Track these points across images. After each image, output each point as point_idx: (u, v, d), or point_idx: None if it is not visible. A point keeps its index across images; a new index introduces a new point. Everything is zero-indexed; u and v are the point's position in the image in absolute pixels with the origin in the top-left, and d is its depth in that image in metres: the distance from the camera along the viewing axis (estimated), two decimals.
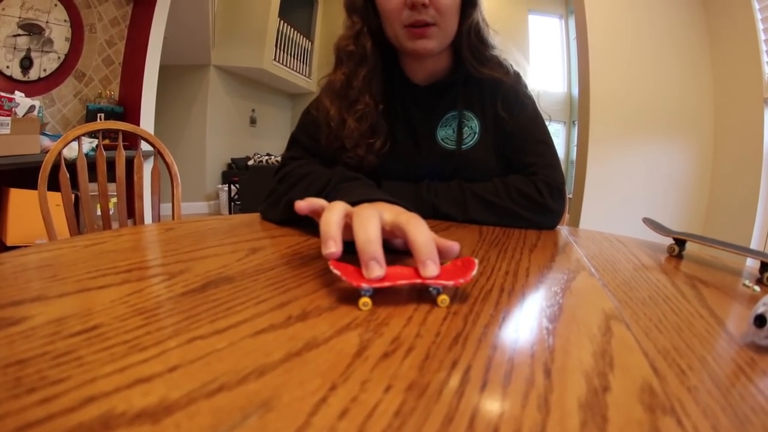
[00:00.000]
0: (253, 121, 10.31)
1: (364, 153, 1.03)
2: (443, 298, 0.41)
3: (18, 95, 3.38)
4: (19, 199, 3.08)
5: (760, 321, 0.38)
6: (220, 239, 0.66)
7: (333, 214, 0.47)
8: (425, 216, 0.94)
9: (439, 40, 1.02)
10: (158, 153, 1.67)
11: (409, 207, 0.61)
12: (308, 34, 11.06)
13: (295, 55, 10.45)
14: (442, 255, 0.47)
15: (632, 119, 3.36)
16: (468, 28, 1.05)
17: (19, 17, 3.70)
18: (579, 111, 3.60)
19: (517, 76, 1.13)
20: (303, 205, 0.52)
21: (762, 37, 2.81)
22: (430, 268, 0.42)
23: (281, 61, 9.80)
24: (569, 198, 3.13)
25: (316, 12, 11.29)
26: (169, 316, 0.35)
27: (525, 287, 0.49)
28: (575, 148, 3.66)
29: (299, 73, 10.71)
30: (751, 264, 0.82)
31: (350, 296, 0.41)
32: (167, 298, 0.39)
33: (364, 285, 0.40)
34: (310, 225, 0.76)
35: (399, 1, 0.97)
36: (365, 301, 0.39)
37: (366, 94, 1.05)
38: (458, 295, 0.43)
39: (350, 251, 0.44)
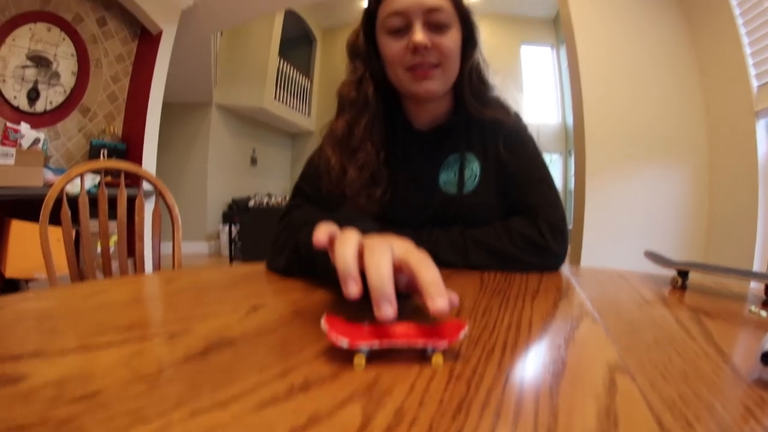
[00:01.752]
0: (253, 161, 10.40)
1: (365, 202, 1.03)
2: (437, 360, 0.40)
3: (24, 127, 3.44)
4: (20, 231, 3.09)
5: (766, 359, 0.37)
6: (220, 294, 0.66)
7: (348, 248, 0.46)
8: None
9: (442, 82, 1.03)
10: (160, 194, 1.68)
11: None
12: (307, 73, 11.29)
13: (294, 94, 10.67)
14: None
15: (628, 145, 3.40)
16: (469, 69, 1.07)
17: (29, 49, 3.83)
18: (575, 141, 3.65)
19: (518, 116, 1.14)
20: (322, 237, 0.50)
21: (748, 50, 2.88)
22: (439, 303, 0.41)
23: (281, 100, 10.00)
24: (570, 229, 3.12)
25: (315, 51, 11.52)
26: (171, 382, 0.35)
27: (528, 341, 0.48)
28: (572, 178, 3.68)
29: (299, 111, 10.86)
30: (755, 286, 0.82)
31: (350, 360, 0.40)
32: (169, 363, 0.39)
33: (362, 346, 0.40)
34: (312, 274, 0.76)
35: (401, 45, 0.99)
36: (359, 362, 0.39)
37: (368, 143, 1.05)
38: (461, 355, 0.42)
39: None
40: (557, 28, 10.23)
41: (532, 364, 0.43)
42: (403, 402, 0.33)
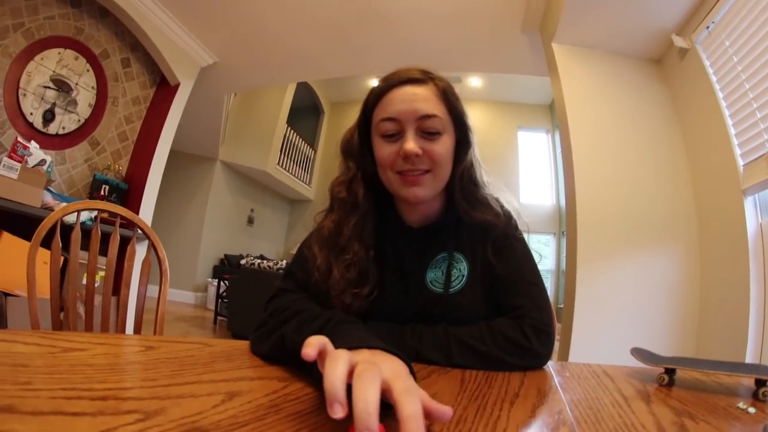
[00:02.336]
0: (250, 221, 10.49)
1: (350, 301, 1.02)
2: None
3: (33, 145, 3.48)
4: (10, 244, 3.06)
5: None
6: (198, 374, 0.65)
7: (337, 370, 0.47)
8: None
9: (432, 188, 1.05)
10: (152, 245, 1.69)
11: (411, 365, 0.62)
12: (312, 143, 11.57)
13: (297, 162, 10.93)
14: (434, 418, 0.49)
15: (619, 229, 3.45)
16: (461, 172, 1.09)
17: (53, 71, 3.97)
18: (567, 224, 3.71)
19: (508, 217, 1.15)
20: (312, 352, 0.51)
21: (732, 131, 2.97)
22: None
23: (284, 167, 10.20)
24: (559, 316, 3.10)
25: (321, 122, 11.82)
26: None
27: None
28: (565, 259, 3.70)
29: (300, 180, 11.02)
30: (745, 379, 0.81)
31: None
32: None
33: None
34: (295, 366, 0.75)
35: (393, 150, 1.02)
36: None
37: (355, 243, 1.06)
38: None
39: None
40: (553, 114, 10.60)
41: None
42: None
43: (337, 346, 0.56)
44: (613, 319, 3.30)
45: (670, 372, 0.82)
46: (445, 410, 0.49)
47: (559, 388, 0.82)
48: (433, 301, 1.08)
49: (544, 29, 4.05)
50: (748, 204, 2.87)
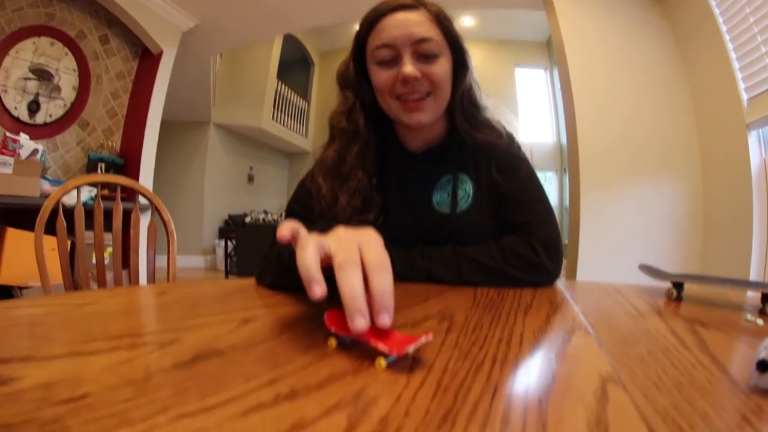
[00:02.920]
0: (250, 179, 10.44)
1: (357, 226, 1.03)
2: (379, 363, 0.42)
3: (23, 137, 3.45)
4: (16, 238, 3.08)
5: (762, 366, 0.37)
6: (212, 307, 0.66)
7: (308, 252, 0.48)
8: (419, 281, 0.95)
9: (433, 112, 1.04)
10: (155, 209, 1.68)
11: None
12: (305, 95, 11.39)
13: (292, 115, 10.76)
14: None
15: (621, 163, 3.43)
16: (461, 94, 1.08)
17: (31, 62, 3.89)
18: (569, 160, 3.68)
19: (510, 138, 1.14)
20: (285, 232, 0.54)
21: (736, 65, 2.92)
22: (384, 317, 0.45)
23: (279, 121, 10.06)
24: (565, 244, 3.12)
25: (312, 73, 11.60)
26: (158, 389, 0.35)
27: (518, 356, 0.48)
28: (568, 195, 3.68)
29: (296, 132, 10.92)
30: (752, 295, 0.82)
31: (339, 374, 0.40)
32: (157, 370, 0.39)
33: (347, 337, 0.46)
34: (300, 290, 0.76)
35: (391, 75, 1.00)
36: (332, 343, 0.47)
37: (359, 170, 1.06)
38: (449, 369, 0.42)
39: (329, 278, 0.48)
40: (550, 51, 10.35)
41: (521, 377, 0.42)
42: (389, 411, 0.32)
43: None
44: (617, 246, 3.34)
45: (678, 287, 0.82)
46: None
47: (570, 300, 0.83)
48: (440, 222, 1.08)
49: None
50: (752, 138, 2.84)
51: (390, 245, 1.03)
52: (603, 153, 3.42)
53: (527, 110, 10.68)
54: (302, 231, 0.56)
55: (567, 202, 3.72)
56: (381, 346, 0.43)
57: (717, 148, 3.21)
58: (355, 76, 1.09)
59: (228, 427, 0.29)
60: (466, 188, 1.10)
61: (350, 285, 0.46)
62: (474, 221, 1.08)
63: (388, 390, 0.37)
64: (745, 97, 2.88)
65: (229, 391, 0.35)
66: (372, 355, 0.43)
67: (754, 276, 2.82)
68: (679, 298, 0.82)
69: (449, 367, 0.43)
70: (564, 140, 8.26)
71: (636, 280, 1.07)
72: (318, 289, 0.46)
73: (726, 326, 0.60)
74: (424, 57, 1.00)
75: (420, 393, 0.36)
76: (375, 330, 0.46)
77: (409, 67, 0.97)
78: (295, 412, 0.32)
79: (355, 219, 1.03)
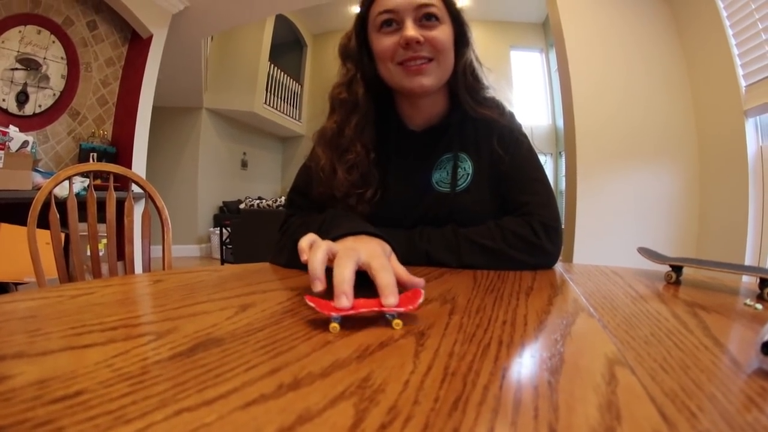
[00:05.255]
0: (244, 165, 10.38)
1: (354, 203, 1.04)
2: (397, 322, 0.50)
3: (12, 129, 3.40)
4: (9, 234, 3.05)
5: (766, 348, 0.37)
6: (209, 294, 0.64)
7: (317, 256, 0.58)
8: (419, 263, 0.95)
9: (436, 77, 1.03)
10: (149, 197, 1.67)
11: (394, 245, 0.76)
12: (298, 78, 11.26)
13: (285, 99, 10.65)
14: (410, 286, 0.62)
15: (618, 146, 3.43)
16: (463, 67, 1.07)
17: (18, 51, 3.80)
18: (565, 143, 3.68)
19: (512, 115, 1.15)
20: (306, 257, 0.61)
21: (735, 51, 2.91)
22: (390, 299, 0.53)
23: (272, 105, 9.97)
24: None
25: (305, 56, 11.50)
26: (155, 383, 0.33)
27: (524, 337, 0.47)
28: (563, 179, 3.69)
29: (289, 116, 10.84)
30: (748, 280, 0.82)
31: (343, 360, 0.39)
32: (154, 362, 0.38)
33: (333, 314, 0.49)
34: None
35: (392, 41, 0.99)
36: (334, 326, 0.48)
37: (357, 143, 1.05)
38: (455, 353, 0.41)
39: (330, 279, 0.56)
40: (546, 32, 10.28)
41: (528, 360, 0.42)
42: (397, 399, 0.31)
43: (329, 237, 0.69)
44: (614, 230, 3.36)
45: (676, 270, 0.82)
46: (417, 281, 0.62)
47: (571, 283, 0.82)
48: (439, 201, 1.08)
49: None
50: (749, 126, 2.85)
51: (389, 228, 1.03)
52: (600, 136, 3.41)
53: (522, 93, 10.60)
54: (318, 241, 0.63)
55: (562, 186, 3.72)
56: (392, 309, 0.51)
57: (714, 134, 3.21)
58: (357, 48, 1.09)
59: (230, 421, 0.28)
60: (466, 167, 1.10)
61: (341, 272, 0.56)
62: (474, 200, 1.07)
63: (395, 376, 0.36)
64: (743, 83, 2.87)
65: (230, 382, 0.34)
66: (376, 339, 0.44)
67: (749, 261, 2.84)
68: (677, 282, 0.82)
69: (455, 351, 0.42)
70: (559, 123, 8.24)
71: (633, 262, 1.07)
72: (319, 285, 0.56)
73: (726, 310, 0.61)
74: (426, 23, 1.00)
75: (428, 379, 0.35)
76: (366, 303, 0.53)
77: (411, 31, 0.97)
78: (299, 402, 0.31)
79: (353, 195, 1.04)
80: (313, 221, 0.94)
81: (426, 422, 0.28)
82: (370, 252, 0.63)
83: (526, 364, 0.41)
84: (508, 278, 0.83)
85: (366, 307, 0.52)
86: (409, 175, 1.11)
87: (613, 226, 3.37)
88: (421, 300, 0.53)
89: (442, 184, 1.09)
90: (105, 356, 0.39)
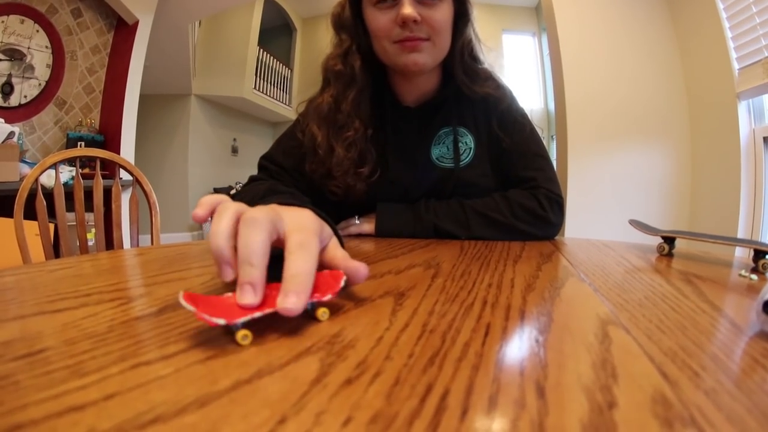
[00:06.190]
0: (234, 151, 10.30)
1: (353, 181, 1.01)
2: (323, 311, 0.38)
3: None
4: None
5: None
6: (188, 263, 0.63)
7: (221, 225, 0.40)
8: (426, 236, 0.95)
9: (431, 56, 1.00)
10: (136, 181, 1.65)
11: (337, 230, 0.55)
12: (287, 62, 11.14)
13: (275, 84, 10.52)
14: (349, 279, 0.43)
15: (609, 127, 3.44)
16: (461, 46, 1.04)
17: (1, 42, 3.71)
18: (556, 123, 3.68)
19: (512, 95, 1.13)
20: (200, 213, 0.45)
21: (729, 34, 2.90)
22: (289, 299, 0.34)
23: (262, 90, 9.88)
24: None
25: (294, 40, 11.39)
26: (119, 340, 0.32)
27: (510, 298, 0.46)
28: (555, 161, 3.69)
29: (279, 101, 10.75)
30: (741, 255, 0.81)
31: (313, 319, 0.37)
32: (121, 323, 0.36)
33: (235, 322, 0.32)
34: None
35: (389, 18, 0.95)
36: (244, 334, 0.32)
37: (355, 119, 1.02)
38: (435, 312, 0.40)
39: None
40: (539, 16, 10.22)
41: (514, 319, 0.40)
42: (367, 355, 0.30)
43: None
44: (605, 208, 3.38)
45: (669, 241, 0.81)
46: (357, 267, 0.44)
47: (561, 252, 0.81)
48: (443, 177, 1.07)
49: None
50: (742, 108, 2.85)
51: (395, 202, 1.02)
52: (591, 115, 3.41)
53: (515, 77, 10.55)
54: (225, 200, 0.46)
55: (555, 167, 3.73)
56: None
57: (706, 116, 3.21)
58: (352, 18, 1.04)
59: (185, 373, 0.27)
60: (467, 141, 1.08)
61: (245, 244, 0.38)
62: (477, 175, 1.07)
63: (368, 333, 0.34)
64: (736, 66, 2.87)
65: (193, 338, 0.33)
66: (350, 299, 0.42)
67: (741, 235, 2.85)
68: (670, 254, 0.81)
69: (435, 310, 0.41)
70: (552, 107, 8.22)
71: (624, 238, 1.08)
72: (230, 274, 0.39)
73: (721, 279, 0.59)
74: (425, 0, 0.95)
75: (403, 335, 0.34)
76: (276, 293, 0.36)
77: (408, 8, 0.91)
78: (262, 357, 0.30)
79: (351, 173, 1.01)
80: (250, 192, 0.90)
81: (397, 378, 0.27)
82: (295, 221, 0.44)
83: (510, 323, 0.39)
84: (496, 247, 0.82)
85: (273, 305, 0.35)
86: (407, 153, 1.08)
87: (605, 205, 3.38)
88: (342, 284, 0.40)
89: (444, 160, 1.07)
90: (74, 318, 0.38)
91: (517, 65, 10.65)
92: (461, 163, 1.07)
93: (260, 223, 0.39)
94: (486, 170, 1.08)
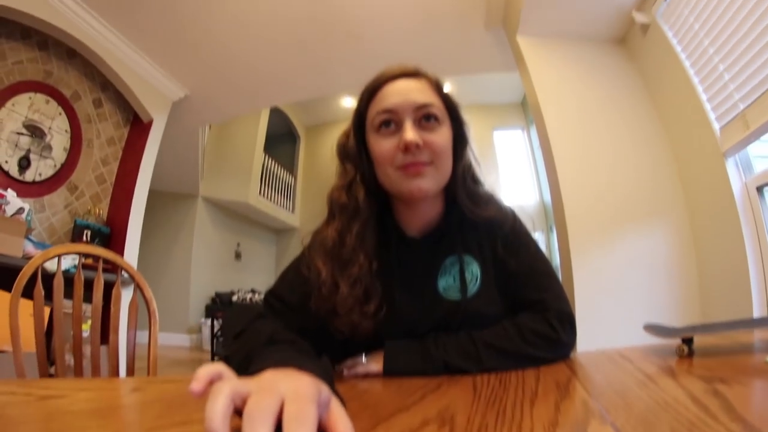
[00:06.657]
0: (238, 255, 10.35)
1: (358, 320, 0.96)
2: None
3: (10, 193, 3.39)
4: None
5: None
6: (189, 413, 0.60)
7: (216, 407, 0.38)
8: (437, 373, 0.90)
9: (435, 181, 1.01)
10: (138, 287, 1.63)
11: (334, 385, 0.55)
12: (291, 169, 11.49)
13: (279, 190, 10.83)
14: None
15: (607, 213, 3.44)
16: (462, 170, 1.06)
17: (26, 117, 3.88)
18: (555, 216, 3.71)
19: (514, 215, 1.13)
20: (197, 387, 0.44)
21: (704, 97, 3.00)
22: None
23: (266, 196, 10.13)
24: None
25: (298, 148, 11.78)
26: None
27: None
28: (557, 253, 3.67)
29: (283, 207, 10.95)
30: (761, 334, 0.78)
31: None
32: None
33: None
34: None
35: (392, 144, 0.98)
36: None
37: (360, 253, 1.00)
38: None
39: None
40: (525, 111, 10.66)
41: None
42: None
43: (249, 372, 0.51)
44: (615, 301, 3.28)
45: (688, 342, 0.79)
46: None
47: (577, 379, 0.78)
48: (451, 310, 1.03)
49: (507, 23, 4.09)
50: (730, 165, 2.90)
51: (402, 339, 0.99)
52: (589, 207, 3.45)
53: (508, 172, 10.86)
54: (227, 375, 0.46)
55: (557, 261, 3.69)
56: None
57: (698, 182, 3.25)
58: (356, 147, 1.06)
59: None
60: (473, 270, 1.06)
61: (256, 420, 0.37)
62: (486, 303, 1.04)
63: None
64: (717, 126, 2.96)
65: None
66: None
67: (756, 308, 2.76)
68: (690, 353, 0.78)
69: None
70: (547, 198, 8.29)
71: (638, 334, 1.05)
72: None
73: (746, 376, 0.57)
74: (426, 121, 0.99)
75: None
76: None
77: (410, 133, 0.94)
78: None
79: (356, 311, 0.96)
80: (252, 338, 0.84)
81: None
82: (293, 391, 0.43)
83: None
84: (510, 383, 0.78)
85: None
86: (414, 286, 1.05)
87: (614, 296, 3.29)
88: None
89: (451, 291, 1.05)
90: None
91: (509, 160, 11.04)
92: (468, 294, 1.04)
93: (266, 415, 0.38)
94: (493, 297, 1.05)
